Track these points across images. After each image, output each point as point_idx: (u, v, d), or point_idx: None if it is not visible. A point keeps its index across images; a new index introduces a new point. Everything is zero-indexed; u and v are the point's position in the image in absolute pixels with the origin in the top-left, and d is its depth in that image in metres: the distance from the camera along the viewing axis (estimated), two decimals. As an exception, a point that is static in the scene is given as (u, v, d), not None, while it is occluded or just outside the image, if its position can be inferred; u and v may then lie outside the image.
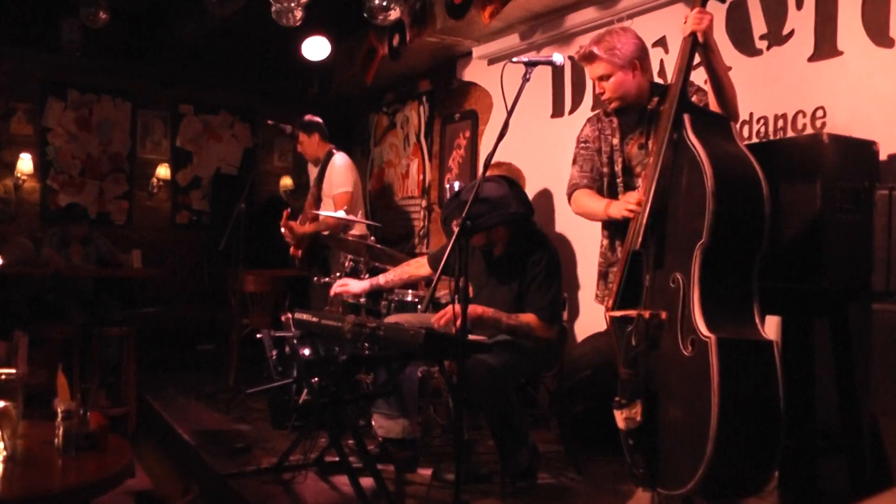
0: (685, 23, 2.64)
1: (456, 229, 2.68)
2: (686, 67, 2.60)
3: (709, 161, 2.38)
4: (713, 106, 2.74)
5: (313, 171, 5.41)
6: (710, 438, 2.24)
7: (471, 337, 2.94)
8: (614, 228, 2.93)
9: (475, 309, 3.09)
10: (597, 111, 3.10)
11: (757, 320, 2.43)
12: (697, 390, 2.30)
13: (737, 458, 2.31)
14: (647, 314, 2.51)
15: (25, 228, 6.53)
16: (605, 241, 2.99)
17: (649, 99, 2.89)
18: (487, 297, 3.36)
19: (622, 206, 2.74)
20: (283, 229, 5.06)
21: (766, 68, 3.54)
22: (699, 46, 2.62)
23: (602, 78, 2.86)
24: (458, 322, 2.61)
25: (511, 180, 3.44)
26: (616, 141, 2.93)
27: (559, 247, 3.50)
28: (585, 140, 3.01)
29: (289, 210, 5.22)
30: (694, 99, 2.76)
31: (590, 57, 2.86)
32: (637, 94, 2.88)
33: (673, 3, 4.02)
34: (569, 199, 3.05)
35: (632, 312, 2.58)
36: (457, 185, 5.11)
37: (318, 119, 5.31)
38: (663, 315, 2.47)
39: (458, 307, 2.75)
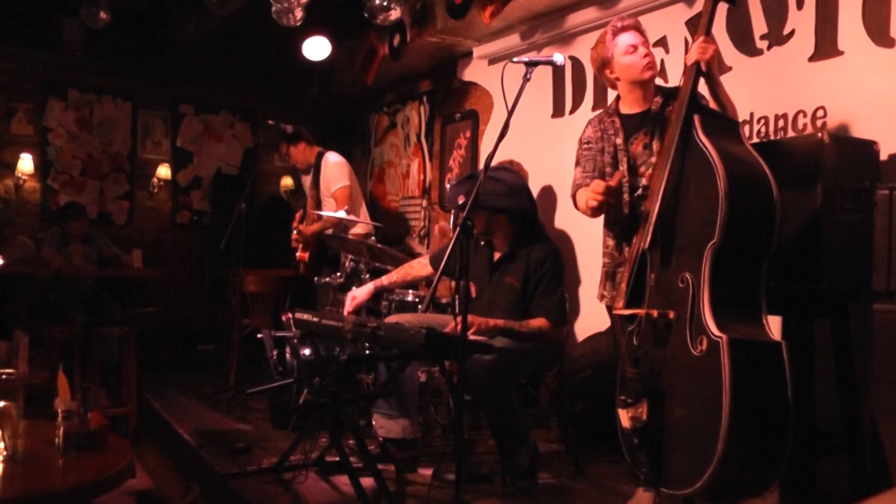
0: (689, 50, 2.68)
1: (461, 203, 2.65)
2: (696, 69, 2.62)
3: (721, 162, 2.38)
4: None
5: (305, 179, 5.43)
6: (720, 438, 2.24)
7: (471, 337, 2.94)
8: (620, 229, 2.94)
9: (487, 321, 3.10)
10: (598, 112, 3.11)
11: (765, 321, 2.44)
12: (707, 390, 2.30)
13: (745, 458, 2.31)
14: (655, 313, 2.51)
15: (26, 228, 6.53)
16: (612, 242, 2.99)
17: (653, 99, 2.90)
18: (489, 297, 3.36)
19: (588, 196, 2.79)
20: (294, 232, 5.09)
21: (766, 68, 3.54)
22: (702, 74, 2.64)
23: (646, 45, 2.91)
24: (470, 328, 2.60)
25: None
26: (620, 140, 2.93)
27: (560, 245, 3.51)
28: (588, 141, 3.02)
29: (301, 212, 5.24)
30: None
31: (640, 26, 2.94)
32: (655, 79, 2.94)
33: (673, 3, 4.02)
34: (573, 201, 3.06)
35: (641, 311, 2.58)
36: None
37: (298, 127, 5.34)
38: (671, 314, 2.47)
39: (472, 318, 2.76)
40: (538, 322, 3.20)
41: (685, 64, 2.70)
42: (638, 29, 2.92)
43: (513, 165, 4.46)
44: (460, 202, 2.63)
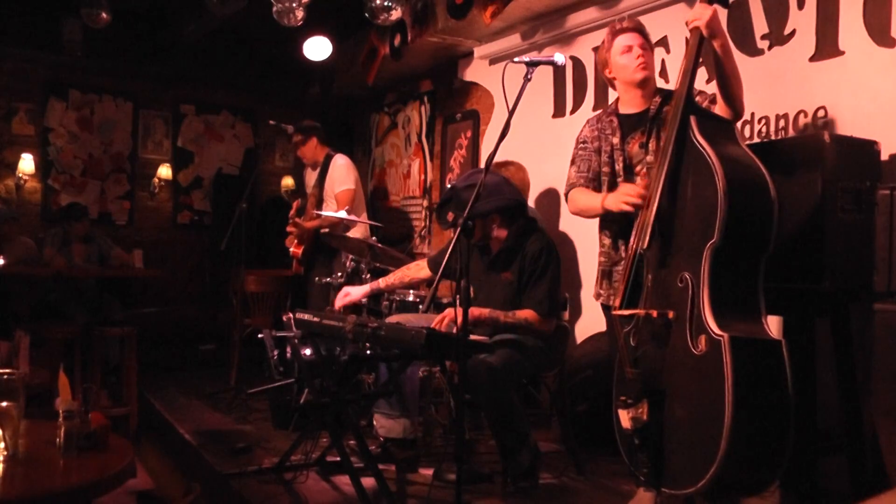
0: (687, 23, 2.65)
1: (451, 220, 2.66)
2: (692, 69, 2.61)
3: (719, 163, 2.39)
4: (720, 101, 2.74)
5: (310, 176, 5.45)
6: (723, 437, 2.24)
7: (472, 337, 2.94)
8: (617, 227, 2.94)
9: (471, 311, 3.09)
10: (597, 112, 3.11)
11: (763, 320, 2.44)
12: (708, 389, 2.31)
13: (748, 456, 2.31)
14: (654, 313, 2.52)
15: (27, 228, 6.53)
16: (608, 240, 2.99)
17: (652, 99, 2.90)
18: (486, 296, 3.36)
19: (619, 199, 2.74)
20: (290, 223, 5.11)
21: (767, 68, 3.54)
22: (706, 41, 2.61)
23: (644, 48, 2.91)
24: (459, 323, 2.61)
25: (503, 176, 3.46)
26: (616, 140, 2.93)
27: (562, 246, 3.50)
28: (584, 141, 3.03)
29: (298, 201, 5.25)
30: (703, 104, 2.76)
31: (641, 28, 2.95)
32: (653, 81, 2.95)
33: (674, 3, 4.02)
34: (566, 199, 3.06)
35: (640, 312, 2.58)
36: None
37: (316, 123, 5.37)
38: (671, 314, 2.48)
39: (458, 310, 2.74)
40: (525, 313, 3.19)
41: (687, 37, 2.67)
42: (639, 31, 2.93)
43: (509, 167, 4.45)
44: (450, 220, 2.65)
